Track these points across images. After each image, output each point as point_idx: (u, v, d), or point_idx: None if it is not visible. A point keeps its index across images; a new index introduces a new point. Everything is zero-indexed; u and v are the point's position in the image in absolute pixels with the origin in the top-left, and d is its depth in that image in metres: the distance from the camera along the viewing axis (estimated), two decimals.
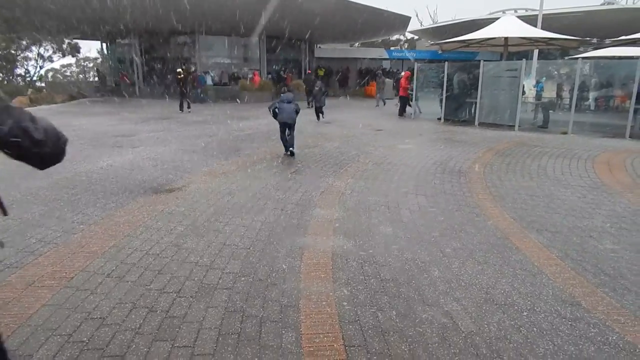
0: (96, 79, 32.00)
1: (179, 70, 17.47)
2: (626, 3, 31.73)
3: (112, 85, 27.91)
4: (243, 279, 3.17)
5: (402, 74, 18.32)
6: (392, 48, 44.18)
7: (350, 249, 3.73)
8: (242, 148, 8.63)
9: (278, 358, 2.29)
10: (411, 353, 2.34)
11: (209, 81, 22.69)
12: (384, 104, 19.93)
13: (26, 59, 36.25)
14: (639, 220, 4.53)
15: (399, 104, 16.13)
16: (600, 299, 2.94)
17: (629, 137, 10.23)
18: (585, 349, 2.39)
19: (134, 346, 2.37)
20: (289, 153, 7.92)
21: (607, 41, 18.38)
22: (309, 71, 24.75)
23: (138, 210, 4.73)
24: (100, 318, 2.63)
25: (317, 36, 29.08)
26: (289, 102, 7.84)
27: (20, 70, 36.18)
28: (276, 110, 7.74)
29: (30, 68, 36.97)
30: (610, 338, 2.49)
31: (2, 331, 2.44)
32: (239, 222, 4.37)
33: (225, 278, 3.17)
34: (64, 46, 36.36)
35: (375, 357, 2.31)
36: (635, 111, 10.43)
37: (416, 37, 43.23)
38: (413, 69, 15.15)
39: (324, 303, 2.83)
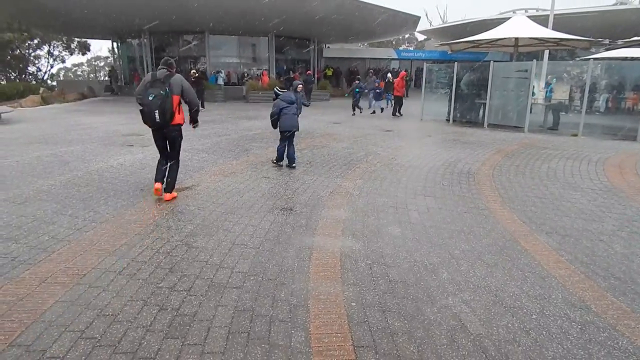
0: (107, 77, 32.41)
1: (193, 71, 17.96)
2: (639, 3, 31.32)
3: (122, 84, 28.26)
4: (252, 278, 3.20)
5: (388, 73, 18.19)
6: (401, 48, 44.09)
7: (358, 250, 3.75)
8: (250, 148, 8.67)
9: (287, 357, 2.32)
10: (420, 354, 2.35)
11: (220, 81, 22.83)
12: (361, 109, 16.74)
13: (37, 57, 36.72)
14: None
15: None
16: (611, 303, 2.92)
17: None
18: (594, 353, 2.38)
19: (145, 343, 2.41)
20: (283, 164, 6.98)
21: (620, 42, 18.17)
22: (309, 72, 24.61)
23: (148, 208, 4.79)
24: (112, 315, 2.67)
25: (325, 36, 29.09)
26: (291, 102, 6.77)
27: (32, 69, 36.65)
28: (281, 113, 6.69)
29: (41, 67, 37.44)
30: (620, 342, 2.48)
31: (17, 326, 2.50)
32: (248, 222, 4.40)
33: (235, 277, 3.20)
34: (73, 45, 36.74)
35: (384, 358, 2.32)
36: None
37: (425, 37, 43.07)
38: (414, 68, 15.14)
39: (333, 303, 2.85)
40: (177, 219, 4.47)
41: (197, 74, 17.66)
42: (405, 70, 24.41)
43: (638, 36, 14.81)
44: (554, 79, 13.48)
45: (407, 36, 50.01)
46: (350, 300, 2.89)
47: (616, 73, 13.30)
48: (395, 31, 32.91)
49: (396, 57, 35.98)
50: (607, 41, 17.47)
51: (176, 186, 5.76)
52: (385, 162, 7.44)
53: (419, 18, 27.35)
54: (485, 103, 12.61)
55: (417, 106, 15.90)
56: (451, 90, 13.65)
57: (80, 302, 2.81)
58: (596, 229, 4.34)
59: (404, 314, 2.75)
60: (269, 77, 23.79)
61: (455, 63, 13.51)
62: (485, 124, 12.64)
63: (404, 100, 16.08)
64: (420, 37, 48.32)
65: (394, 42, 49.24)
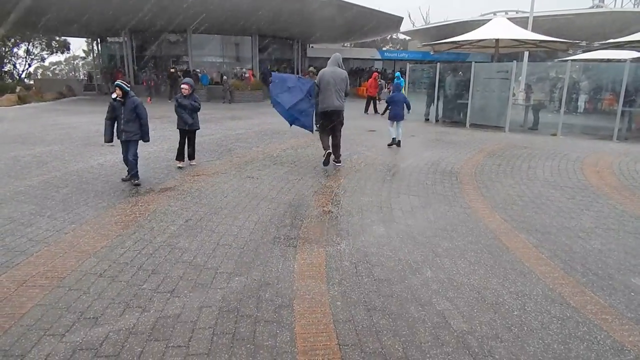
0: (85, 77, 31.53)
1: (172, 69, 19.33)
2: (614, 7, 32.20)
3: (100, 83, 27.71)
4: (237, 278, 3.18)
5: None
6: (384, 48, 44.38)
7: (343, 249, 3.75)
8: (234, 148, 8.61)
9: (272, 358, 2.31)
10: (405, 352, 2.37)
11: (204, 81, 22.66)
12: None
13: (14, 55, 35.75)
14: (626, 221, 4.62)
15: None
16: (589, 298, 2.99)
17: (616, 139, 10.40)
18: (574, 348, 2.43)
19: (127, 346, 2.37)
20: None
21: (596, 44, 18.65)
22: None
23: (130, 209, 4.71)
24: (93, 318, 2.62)
25: (309, 36, 29.08)
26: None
27: (8, 67, 35.64)
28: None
29: (18, 65, 36.49)
30: (598, 336, 2.54)
31: None
32: (232, 222, 4.37)
33: (219, 278, 3.18)
34: (53, 43, 35.93)
35: (369, 357, 2.33)
36: (623, 113, 10.60)
37: (408, 38, 43.43)
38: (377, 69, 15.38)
39: (318, 303, 2.85)
40: (160, 219, 4.40)
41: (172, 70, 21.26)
42: (376, 71, 24.60)
43: (614, 38, 15.22)
44: (519, 78, 13.73)
45: (390, 37, 50.40)
46: (336, 299, 2.90)
47: (593, 74, 13.63)
48: (379, 32, 33.11)
49: (380, 57, 36.19)
50: (584, 43, 17.90)
51: (159, 186, 5.70)
52: (369, 161, 7.48)
53: (401, 19, 27.57)
54: (467, 103, 12.78)
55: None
56: (434, 91, 13.80)
57: (60, 305, 2.75)
58: (575, 226, 4.45)
59: (389, 312, 2.77)
60: (254, 76, 23.66)
61: (438, 64, 13.66)
62: (468, 124, 12.82)
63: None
64: (403, 37, 48.69)
65: (379, 40, 49.54)
